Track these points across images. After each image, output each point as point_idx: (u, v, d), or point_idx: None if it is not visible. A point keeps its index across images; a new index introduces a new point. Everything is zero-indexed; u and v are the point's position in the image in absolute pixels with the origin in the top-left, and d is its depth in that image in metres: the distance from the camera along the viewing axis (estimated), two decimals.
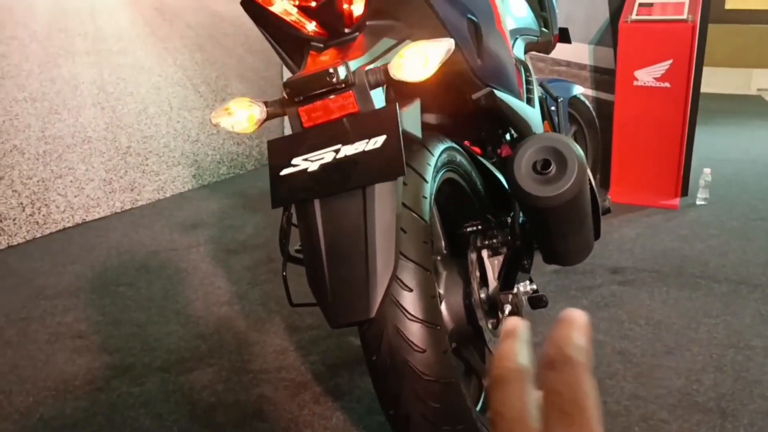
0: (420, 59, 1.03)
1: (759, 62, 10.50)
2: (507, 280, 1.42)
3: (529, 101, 1.82)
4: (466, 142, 1.65)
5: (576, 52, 3.77)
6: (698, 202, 3.57)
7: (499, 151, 1.76)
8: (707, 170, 3.61)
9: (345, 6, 1.17)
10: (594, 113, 2.83)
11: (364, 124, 1.05)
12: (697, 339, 2.03)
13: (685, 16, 3.31)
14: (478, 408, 1.39)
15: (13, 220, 2.76)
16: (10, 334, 2.04)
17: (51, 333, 2.05)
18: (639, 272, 2.58)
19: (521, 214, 1.44)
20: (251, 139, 4.20)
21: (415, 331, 1.10)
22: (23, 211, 2.79)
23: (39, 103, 2.79)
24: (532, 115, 1.74)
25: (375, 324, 1.09)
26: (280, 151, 1.09)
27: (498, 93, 1.51)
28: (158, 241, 2.88)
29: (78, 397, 1.70)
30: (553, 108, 2.31)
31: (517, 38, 1.95)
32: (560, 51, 3.32)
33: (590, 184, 1.34)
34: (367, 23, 1.19)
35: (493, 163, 1.67)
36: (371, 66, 1.09)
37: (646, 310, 2.24)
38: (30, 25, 2.74)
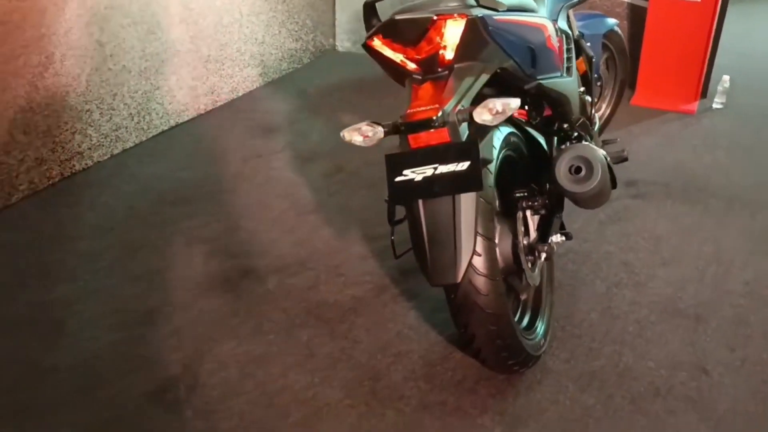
0: (494, 112, 1.50)
1: None
2: (543, 232, 1.96)
3: (568, 70, 2.25)
4: None
5: None
6: (714, 106, 3.98)
7: (541, 115, 2.21)
8: (726, 77, 3.99)
9: (440, 54, 1.62)
10: (626, 43, 3.19)
11: (454, 151, 1.54)
12: (689, 252, 2.58)
13: None
14: (516, 317, 1.98)
15: (126, 128, 3.29)
16: (153, 238, 2.65)
17: (184, 237, 2.65)
18: (650, 185, 3.07)
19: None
20: (307, 34, 4.58)
21: (481, 282, 1.65)
22: (132, 119, 3.31)
23: (139, 26, 3.21)
24: (568, 84, 2.18)
25: None
26: (395, 163, 1.59)
27: (544, 82, 1.96)
28: (244, 146, 3.41)
29: (222, 293, 2.33)
30: (588, 43, 2.69)
31: (562, 8, 2.34)
32: None
33: (610, 169, 1.82)
34: (455, 66, 1.64)
35: (535, 125, 2.15)
36: (460, 106, 1.56)
37: (651, 224, 2.76)
38: None
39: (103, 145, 3.19)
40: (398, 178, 1.59)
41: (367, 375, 1.99)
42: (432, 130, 1.56)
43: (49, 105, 2.90)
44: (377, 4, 1.86)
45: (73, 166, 3.08)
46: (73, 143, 3.05)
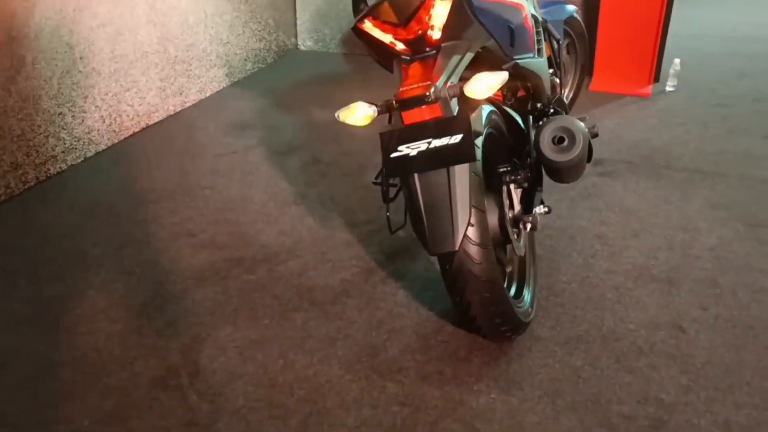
0: (485, 85, 1.58)
1: None
2: (527, 204, 2.05)
3: (539, 51, 2.35)
4: None
5: None
6: (668, 89, 4.16)
7: (515, 95, 2.31)
8: (677, 60, 4.16)
9: (428, 34, 1.70)
10: (585, 28, 3.32)
11: (447, 125, 1.61)
12: (657, 223, 2.71)
13: None
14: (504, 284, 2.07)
15: (98, 131, 3.28)
16: (138, 234, 2.66)
17: (169, 232, 2.67)
18: (616, 163, 3.21)
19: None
20: (269, 34, 4.61)
21: (475, 251, 1.74)
22: (104, 122, 3.31)
23: (108, 27, 3.21)
24: (540, 65, 2.28)
25: None
26: (390, 140, 1.66)
27: (520, 62, 2.06)
28: (218, 144, 3.44)
29: (214, 284, 2.36)
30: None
31: None
32: None
33: (589, 142, 1.93)
34: (442, 45, 1.72)
35: (511, 105, 2.24)
36: (450, 83, 1.64)
37: (619, 199, 2.89)
38: None
39: (76, 148, 3.19)
40: (394, 154, 1.66)
41: (364, 351, 2.05)
42: (424, 106, 1.63)
43: (23, 109, 2.88)
44: None
45: (48, 169, 3.06)
46: (47, 147, 3.03)
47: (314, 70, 4.54)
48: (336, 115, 1.73)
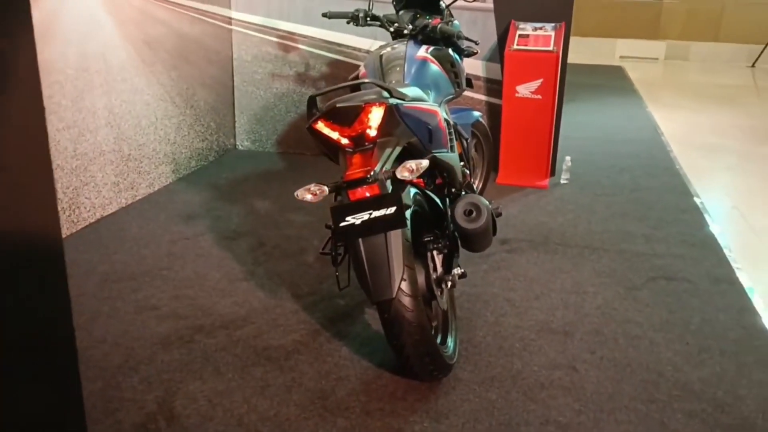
0: (411, 170, 2.09)
1: (622, 33, 12.18)
2: (447, 266, 2.54)
3: (451, 148, 2.91)
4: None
5: (473, 66, 4.88)
6: (562, 182, 4.84)
7: (434, 182, 2.84)
8: (568, 158, 4.88)
9: (367, 132, 2.21)
10: (489, 131, 3.96)
11: (383, 200, 2.10)
12: (554, 288, 3.25)
13: (551, 48, 4.48)
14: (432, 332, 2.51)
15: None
16: (106, 309, 2.97)
17: (134, 307, 3.00)
18: (520, 242, 3.78)
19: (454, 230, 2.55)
20: (211, 135, 5.09)
21: (408, 301, 2.19)
22: (64, 213, 3.64)
23: (72, 129, 3.61)
24: (453, 158, 2.84)
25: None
26: (339, 212, 2.12)
27: (437, 155, 2.60)
28: (170, 232, 3.81)
29: (179, 347, 2.70)
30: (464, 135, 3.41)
31: (441, 103, 3.03)
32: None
33: (493, 216, 2.47)
34: (377, 140, 2.24)
35: (431, 190, 2.77)
36: (384, 168, 2.15)
37: (523, 270, 3.43)
38: (65, 70, 3.53)
39: None
40: (343, 224, 2.12)
41: (316, 395, 2.43)
42: (366, 186, 2.12)
43: None
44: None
45: None
46: None
47: (252, 168, 5.01)
48: (294, 194, 2.19)
